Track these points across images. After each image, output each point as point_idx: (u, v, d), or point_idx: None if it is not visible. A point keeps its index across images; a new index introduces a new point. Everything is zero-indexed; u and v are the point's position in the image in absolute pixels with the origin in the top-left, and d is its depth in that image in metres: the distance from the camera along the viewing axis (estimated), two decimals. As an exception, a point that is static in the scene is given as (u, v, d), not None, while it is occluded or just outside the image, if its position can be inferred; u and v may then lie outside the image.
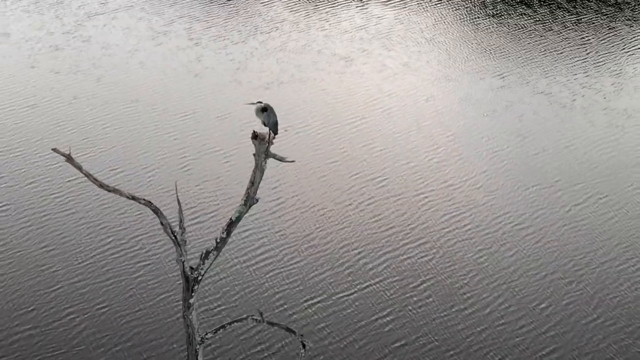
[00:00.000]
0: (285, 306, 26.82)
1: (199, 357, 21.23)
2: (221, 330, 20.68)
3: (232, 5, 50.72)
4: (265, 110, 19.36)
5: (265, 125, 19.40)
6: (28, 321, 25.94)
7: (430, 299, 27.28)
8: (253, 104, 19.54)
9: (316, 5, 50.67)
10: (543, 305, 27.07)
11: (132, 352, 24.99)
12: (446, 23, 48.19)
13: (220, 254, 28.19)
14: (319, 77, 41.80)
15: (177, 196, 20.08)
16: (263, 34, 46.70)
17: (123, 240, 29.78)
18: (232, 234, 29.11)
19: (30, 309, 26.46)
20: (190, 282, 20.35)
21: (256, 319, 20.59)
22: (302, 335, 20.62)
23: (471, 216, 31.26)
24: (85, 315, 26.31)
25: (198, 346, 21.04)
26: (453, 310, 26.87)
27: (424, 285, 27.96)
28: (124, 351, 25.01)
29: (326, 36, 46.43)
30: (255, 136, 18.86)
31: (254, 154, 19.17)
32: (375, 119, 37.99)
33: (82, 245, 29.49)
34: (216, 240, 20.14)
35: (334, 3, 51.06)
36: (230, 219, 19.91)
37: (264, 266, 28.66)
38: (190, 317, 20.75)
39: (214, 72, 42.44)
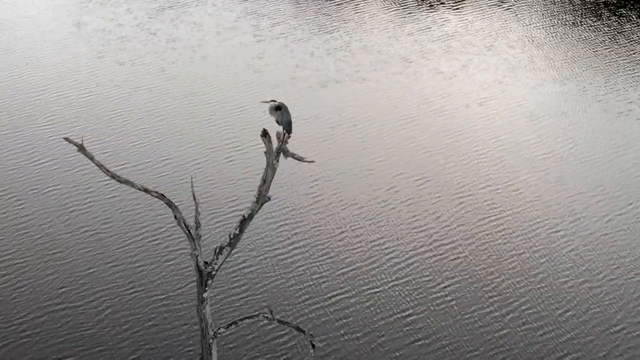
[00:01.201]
0: (298, 304, 26.23)
1: (212, 351, 20.83)
2: (233, 325, 20.25)
3: (299, 4, 50.21)
4: (279, 109, 18.78)
5: (278, 123, 18.84)
6: (42, 313, 25.63)
7: (451, 301, 26.47)
8: (267, 102, 19.00)
9: (382, 6, 49.92)
10: (570, 313, 26.09)
11: (147, 345, 24.63)
12: (508, 30, 47.05)
13: (238, 250, 28.20)
14: (375, 78, 41.08)
15: (192, 191, 19.64)
16: (326, 33, 46.11)
17: (139, 233, 29.44)
18: (251, 231, 29.15)
19: (43, 301, 26.17)
20: (203, 277, 19.93)
21: (267, 317, 20.10)
22: (311, 335, 20.06)
23: (508, 220, 30.31)
24: (100, 307, 25.99)
25: (211, 340, 20.63)
26: (475, 313, 26.05)
27: (444, 286, 27.17)
28: (140, 343, 24.66)
29: (389, 37, 45.67)
30: (264, 134, 18.31)
31: (265, 152, 18.64)
32: (425, 121, 37.17)
33: (100, 238, 29.23)
34: (229, 237, 19.69)
35: (400, 5, 50.24)
36: (243, 216, 19.44)
37: (281, 263, 28.09)
38: (204, 311, 20.32)
39: (274, 69, 42.01)
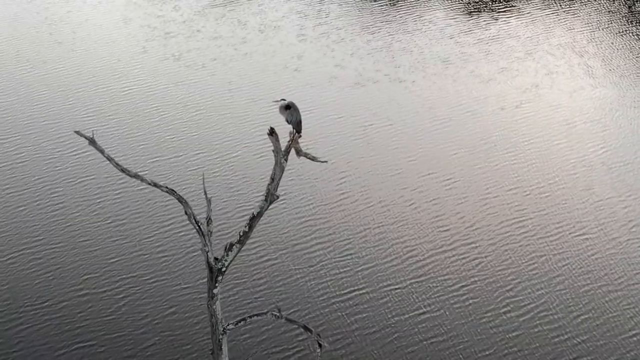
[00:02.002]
0: (310, 303, 25.87)
1: (222, 347, 20.55)
2: (242, 322, 19.97)
3: (345, 4, 49.82)
4: (288, 108, 18.43)
5: (288, 122, 18.49)
6: (52, 309, 25.44)
7: (467, 303, 25.91)
8: (278, 101, 18.67)
9: (425, 8, 49.35)
10: (591, 319, 25.41)
11: (159, 339, 24.44)
12: (551, 35, 46.22)
13: (253, 248, 27.89)
14: (412, 79, 40.55)
15: (204, 188, 19.36)
16: (368, 34, 45.68)
17: (152, 228, 29.26)
18: (265, 229, 28.86)
19: (54, 296, 26.01)
20: (214, 273, 19.66)
21: (275, 315, 19.78)
22: (318, 334, 19.69)
23: (532, 223, 29.64)
24: (118, 296, 25.87)
25: (221, 336, 20.36)
26: (488, 313, 25.49)
27: (460, 287, 26.61)
28: (152, 338, 24.48)
29: (430, 39, 45.11)
30: (271, 132, 17.97)
31: (273, 151, 18.30)
32: (459, 122, 36.57)
33: (119, 231, 29.10)
34: (239, 234, 19.40)
35: (445, 7, 49.65)
36: (252, 213, 19.15)
37: (294, 262, 27.71)
38: (214, 307, 20.05)
39: (313, 68, 41.67)
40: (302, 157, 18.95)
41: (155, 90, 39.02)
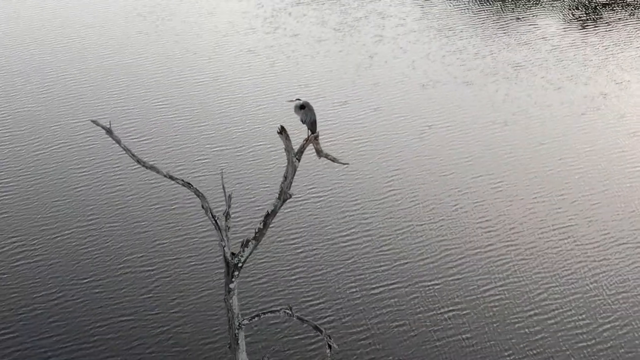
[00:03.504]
0: (326, 302, 25.01)
1: (239, 341, 19.98)
2: (256, 318, 19.41)
3: (425, 6, 48.77)
4: (303, 108, 17.67)
5: (303, 122, 17.75)
6: (67, 301, 24.96)
7: (491, 305, 24.80)
8: (292, 101, 17.92)
9: (503, 14, 47.96)
10: (619, 329, 24.08)
11: (177, 332, 23.92)
12: (626, 44, 44.39)
13: (276, 245, 27.18)
14: (481, 82, 39.29)
15: (222, 184, 18.76)
16: (444, 37, 44.56)
17: (170, 220, 28.69)
18: (283, 227, 28.18)
19: (68, 289, 25.51)
20: (230, 267, 19.11)
21: (288, 313, 19.14)
22: (329, 335, 18.95)
23: (577, 232, 28.31)
24: (130, 295, 25.28)
25: (237, 330, 19.80)
26: (512, 317, 24.34)
27: (483, 290, 25.53)
28: (170, 331, 23.97)
29: (505, 44, 43.69)
30: (281, 131, 17.24)
31: (285, 150, 17.58)
32: (521, 126, 35.24)
33: (132, 225, 28.57)
34: (255, 231, 18.80)
35: (522, 14, 48.16)
36: (267, 211, 18.52)
37: (314, 260, 26.89)
38: (231, 301, 19.52)
39: (384, 68, 40.82)
40: (322, 158, 18.25)
41: (223, 85, 38.80)
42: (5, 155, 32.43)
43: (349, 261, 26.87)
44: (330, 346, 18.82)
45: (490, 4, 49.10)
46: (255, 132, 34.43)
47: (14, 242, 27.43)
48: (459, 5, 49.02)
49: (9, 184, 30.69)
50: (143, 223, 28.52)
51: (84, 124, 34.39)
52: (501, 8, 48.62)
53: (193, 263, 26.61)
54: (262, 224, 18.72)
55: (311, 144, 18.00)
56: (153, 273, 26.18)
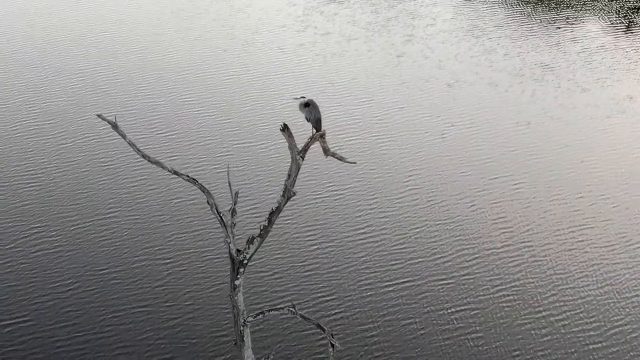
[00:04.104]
0: (331, 301, 24.69)
1: (245, 338, 19.75)
2: (260, 315, 19.15)
3: (455, 7, 48.26)
4: (307, 106, 17.36)
5: (307, 120, 17.45)
6: (74, 293, 24.87)
7: (499, 305, 24.34)
8: (297, 98, 17.62)
9: (534, 15, 47.34)
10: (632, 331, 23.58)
11: (184, 328, 23.71)
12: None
13: (279, 244, 26.87)
14: (508, 83, 38.73)
15: (229, 180, 18.52)
16: (472, 37, 44.03)
17: (177, 217, 28.46)
18: (291, 225, 27.88)
19: (73, 282, 25.40)
20: (235, 264, 18.88)
21: (292, 311, 18.87)
22: (332, 334, 18.63)
23: (596, 234, 27.79)
24: (138, 290, 25.09)
25: (242, 327, 19.57)
26: (518, 319, 23.88)
27: (482, 291, 25.06)
28: (177, 327, 23.77)
29: (534, 46, 43.08)
30: (283, 129, 16.94)
31: (289, 147, 17.29)
32: (544, 128, 34.68)
33: (138, 220, 28.35)
34: (260, 228, 18.55)
35: (553, 15, 47.49)
36: (272, 208, 18.26)
37: (322, 258, 26.59)
38: (236, 298, 19.28)
39: (411, 67, 40.42)
40: (330, 157, 17.94)
41: (243, 81, 38.65)
42: (9, 147, 32.46)
43: (356, 260, 26.54)
44: (333, 345, 18.51)
45: (521, 5, 48.48)
46: (268, 130, 34.24)
47: (20, 236, 27.33)
48: (491, 6, 48.46)
49: (18, 176, 30.72)
50: (150, 219, 28.33)
51: (92, 119, 34.41)
52: (532, 10, 47.99)
53: (201, 259, 26.40)
54: (267, 221, 18.47)
55: (317, 143, 17.71)
56: (161, 268, 25.99)
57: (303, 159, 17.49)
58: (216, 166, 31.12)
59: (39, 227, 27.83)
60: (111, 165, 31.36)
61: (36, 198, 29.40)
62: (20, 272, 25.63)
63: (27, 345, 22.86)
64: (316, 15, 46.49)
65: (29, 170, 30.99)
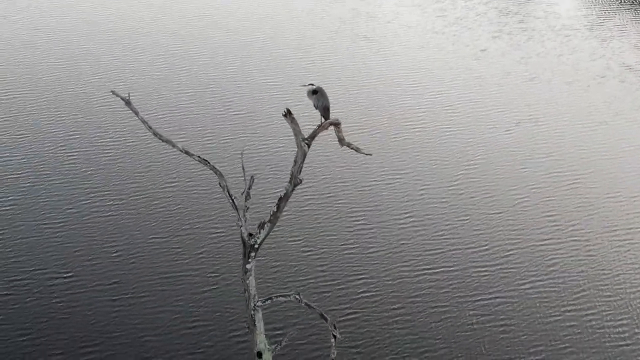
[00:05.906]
0: (339, 290, 23.60)
1: (256, 322, 19.15)
2: (269, 301, 18.49)
3: (547, 4, 46.61)
4: (315, 93, 16.53)
5: (315, 108, 16.63)
6: (87, 279, 23.99)
7: (498, 301, 22.88)
8: (306, 85, 16.80)
9: (595, 14, 45.30)
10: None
11: (197, 312, 23.05)
12: None
13: (290, 231, 25.88)
14: (585, 82, 37.03)
15: (242, 164, 17.89)
16: (561, 37, 42.38)
17: (190, 198, 27.52)
18: (306, 213, 26.91)
19: (88, 258, 24.68)
20: (247, 248, 18.26)
21: (297, 299, 18.18)
22: (334, 325, 17.83)
23: (618, 235, 26.15)
24: (148, 272, 24.31)
25: (253, 311, 18.97)
26: (519, 312, 22.50)
27: (485, 285, 23.69)
28: (189, 310, 23.07)
29: (621, 46, 41.19)
30: (286, 114, 16.12)
31: (294, 134, 16.49)
32: (590, 129, 32.96)
33: (155, 204, 27.42)
34: (270, 214, 17.90)
35: (631, 16, 45.40)
36: (280, 195, 17.57)
37: (335, 248, 25.48)
38: (247, 282, 18.67)
39: (492, 63, 39.12)
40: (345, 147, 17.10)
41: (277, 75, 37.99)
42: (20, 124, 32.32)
43: (368, 250, 25.43)
44: (335, 336, 17.74)
45: (617, 4, 46.50)
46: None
47: (25, 221, 26.86)
48: (584, 4, 46.64)
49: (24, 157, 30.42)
50: (162, 200, 27.46)
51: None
52: (624, 9, 45.95)
53: (212, 241, 25.70)
54: (275, 207, 17.79)
55: (331, 132, 16.92)
56: (172, 254, 25.27)
57: (309, 147, 16.68)
58: (229, 149, 30.09)
59: (47, 203, 27.25)
60: (123, 144, 30.63)
61: (45, 174, 28.85)
62: (32, 250, 25.16)
63: (42, 334, 22.55)
64: (413, 8, 45.64)
65: (40, 149, 30.52)
